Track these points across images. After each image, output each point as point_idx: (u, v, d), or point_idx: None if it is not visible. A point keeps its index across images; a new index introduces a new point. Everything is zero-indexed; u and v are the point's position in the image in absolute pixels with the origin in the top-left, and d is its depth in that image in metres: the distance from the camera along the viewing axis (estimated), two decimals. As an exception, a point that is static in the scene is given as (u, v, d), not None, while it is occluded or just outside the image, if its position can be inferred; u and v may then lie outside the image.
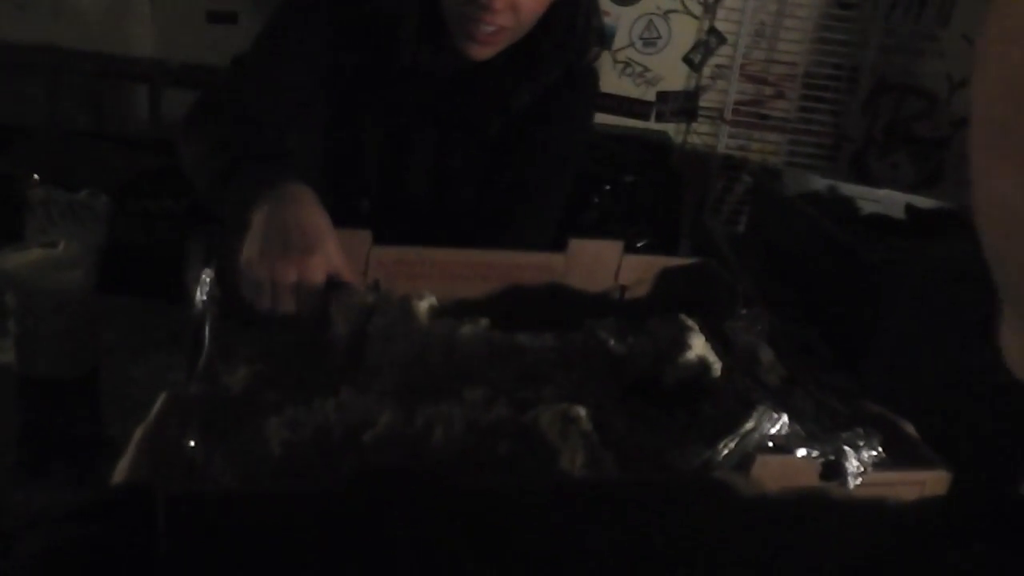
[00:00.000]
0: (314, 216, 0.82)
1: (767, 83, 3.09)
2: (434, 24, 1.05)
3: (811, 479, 0.66)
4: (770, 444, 0.67)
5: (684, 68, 3.05)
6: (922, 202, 1.76)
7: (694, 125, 3.11)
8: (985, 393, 1.23)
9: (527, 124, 1.15)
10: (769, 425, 0.67)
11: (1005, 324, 0.33)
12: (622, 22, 2.99)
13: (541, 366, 0.78)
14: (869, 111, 3.09)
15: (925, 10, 2.96)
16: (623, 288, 0.95)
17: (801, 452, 0.67)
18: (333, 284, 0.78)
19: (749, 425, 0.67)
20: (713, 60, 3.03)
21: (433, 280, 0.87)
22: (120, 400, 0.95)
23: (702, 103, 3.08)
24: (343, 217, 1.21)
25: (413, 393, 0.70)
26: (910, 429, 0.74)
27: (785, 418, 0.67)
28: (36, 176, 1.72)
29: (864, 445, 0.67)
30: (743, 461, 0.65)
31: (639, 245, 2.57)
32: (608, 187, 2.68)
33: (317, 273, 0.78)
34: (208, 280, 0.73)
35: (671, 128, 3.10)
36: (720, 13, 2.99)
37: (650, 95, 3.04)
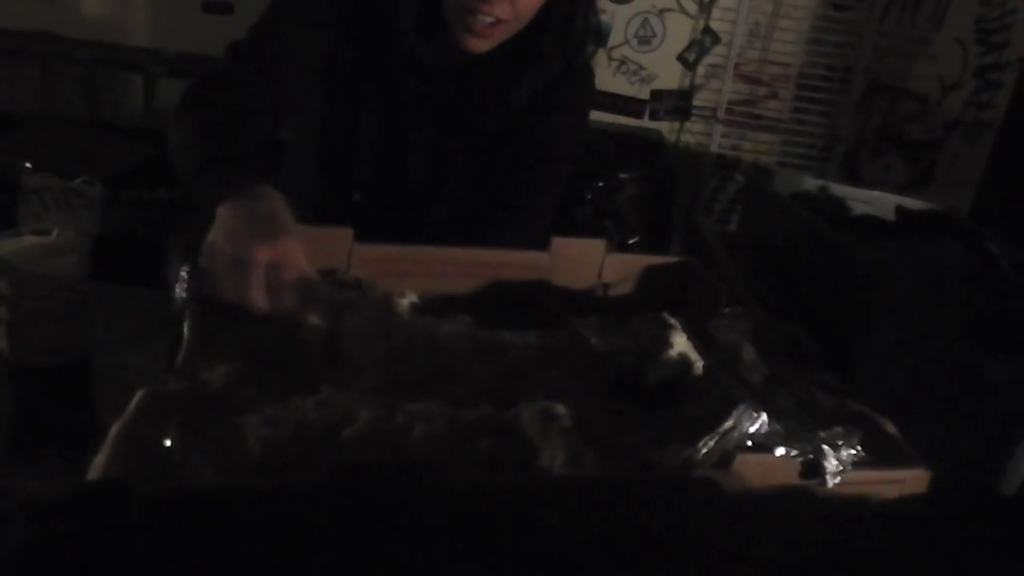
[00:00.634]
0: (279, 213, 0.80)
1: (761, 83, 3.09)
2: (433, 17, 1.05)
3: (791, 478, 0.66)
4: (750, 443, 0.67)
5: (678, 67, 3.05)
6: (912, 204, 1.76)
7: (688, 124, 3.11)
8: (971, 392, 1.24)
9: (525, 119, 1.15)
10: (749, 424, 0.67)
11: None
12: (617, 20, 2.99)
13: (524, 364, 0.78)
14: (861, 112, 3.10)
15: (919, 13, 2.97)
16: (606, 287, 0.96)
17: (780, 451, 0.67)
18: (302, 282, 0.76)
19: (729, 424, 0.67)
20: (707, 59, 3.03)
21: (416, 278, 0.86)
22: (112, 387, 0.96)
23: (696, 102, 3.08)
24: (337, 209, 1.22)
25: (394, 390, 0.70)
26: (891, 428, 0.74)
27: (765, 417, 0.67)
28: (28, 164, 1.72)
29: (843, 444, 0.67)
30: (723, 460, 0.66)
31: (631, 243, 2.58)
32: (601, 184, 2.68)
33: (289, 254, 0.75)
34: (187, 276, 0.73)
35: (665, 126, 3.10)
36: (715, 12, 2.99)
37: (644, 93, 3.04)
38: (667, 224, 2.87)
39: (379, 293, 0.81)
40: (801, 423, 0.70)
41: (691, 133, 3.14)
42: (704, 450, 0.66)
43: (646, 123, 3.06)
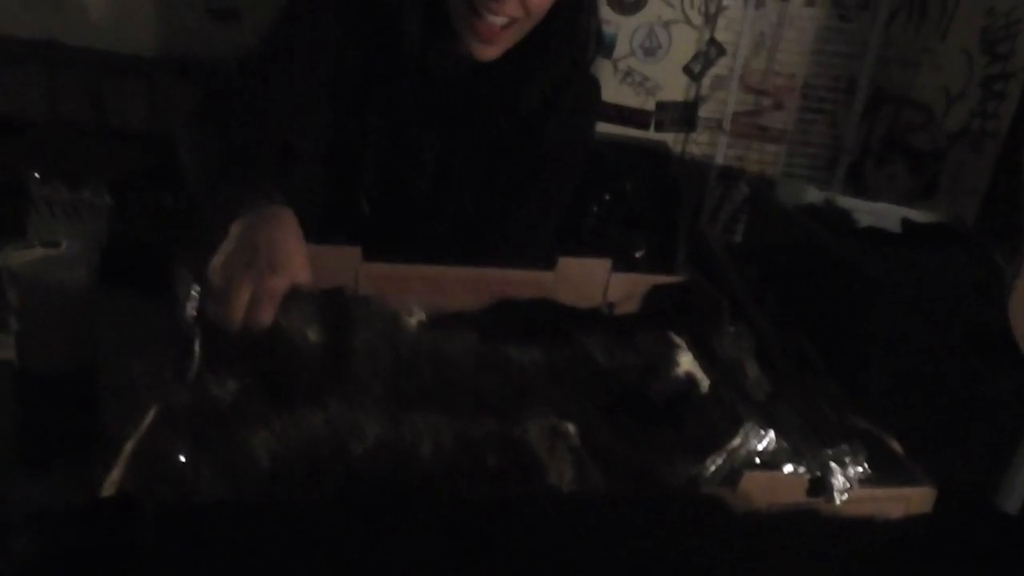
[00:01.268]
0: (288, 239, 0.79)
1: (766, 94, 3.09)
2: (440, 23, 1.05)
3: (798, 495, 0.66)
4: (757, 460, 0.68)
5: (684, 78, 3.05)
6: (918, 215, 1.76)
7: (693, 135, 3.11)
8: (976, 403, 1.24)
9: (532, 128, 1.15)
10: (756, 441, 0.68)
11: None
12: (623, 31, 3.00)
13: (529, 380, 0.78)
14: (866, 122, 3.10)
15: (924, 23, 2.97)
16: (611, 305, 0.96)
17: (788, 468, 0.67)
18: (290, 294, 0.76)
19: (736, 442, 0.67)
20: (713, 70, 3.04)
21: (422, 295, 0.86)
22: (120, 396, 0.96)
23: (701, 113, 3.09)
24: (343, 216, 1.22)
25: (402, 405, 0.70)
26: (896, 445, 0.74)
27: (772, 434, 0.68)
28: (37, 175, 1.73)
29: (850, 461, 0.67)
30: (730, 477, 0.66)
31: (637, 256, 2.58)
32: (607, 196, 2.69)
33: (274, 292, 0.75)
34: (197, 293, 0.73)
35: (670, 138, 3.11)
36: (720, 24, 3.00)
37: (650, 104, 3.05)
38: (672, 235, 2.87)
39: (387, 310, 0.82)
40: (807, 440, 0.70)
41: (696, 144, 3.14)
42: (712, 467, 0.66)
43: (651, 134, 3.07)
